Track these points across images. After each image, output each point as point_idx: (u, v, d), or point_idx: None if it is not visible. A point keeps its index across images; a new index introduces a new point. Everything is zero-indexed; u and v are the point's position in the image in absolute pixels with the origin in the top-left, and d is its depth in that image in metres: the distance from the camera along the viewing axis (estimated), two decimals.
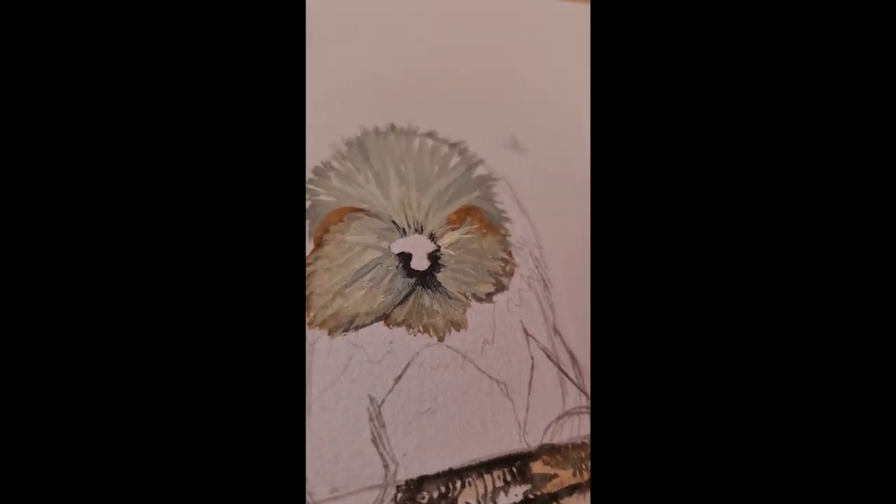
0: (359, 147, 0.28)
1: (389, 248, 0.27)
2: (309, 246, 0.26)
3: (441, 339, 0.25)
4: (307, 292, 0.25)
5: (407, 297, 0.26)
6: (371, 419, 0.23)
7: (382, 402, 0.24)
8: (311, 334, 0.24)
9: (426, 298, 0.26)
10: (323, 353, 0.24)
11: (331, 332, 0.24)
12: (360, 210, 0.27)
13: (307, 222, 0.26)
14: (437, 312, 0.26)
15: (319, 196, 0.27)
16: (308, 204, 0.26)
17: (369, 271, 0.26)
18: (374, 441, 0.23)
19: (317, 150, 0.27)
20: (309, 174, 0.27)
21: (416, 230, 0.27)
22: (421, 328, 0.25)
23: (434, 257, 0.27)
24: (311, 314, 0.24)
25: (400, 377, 0.24)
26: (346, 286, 0.25)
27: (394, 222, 0.27)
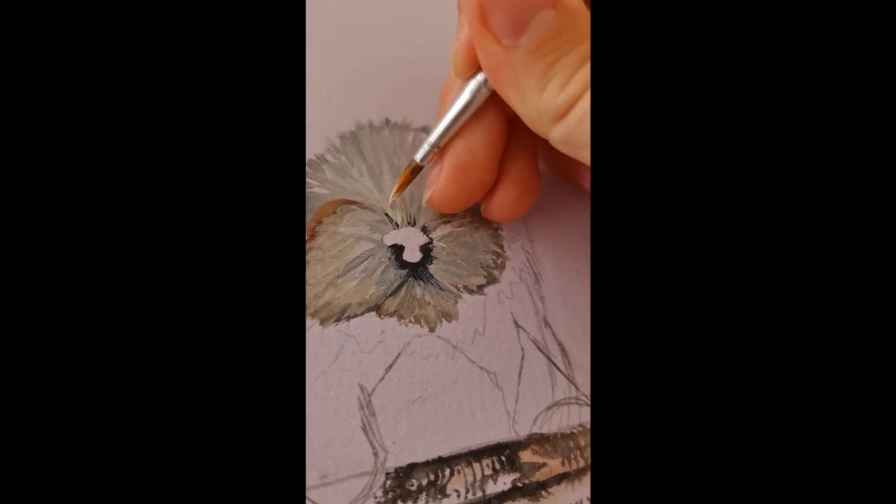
0: (353, 141, 0.28)
1: (382, 240, 0.27)
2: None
3: (432, 330, 0.26)
4: None
5: (399, 288, 0.26)
6: (361, 407, 0.24)
7: (373, 390, 0.24)
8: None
9: (418, 290, 0.26)
10: (314, 343, 0.24)
11: (322, 322, 0.25)
12: (354, 202, 0.27)
13: None
14: (429, 303, 0.26)
15: (313, 188, 0.27)
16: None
17: (362, 262, 0.26)
18: (364, 429, 0.23)
19: (311, 144, 0.28)
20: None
21: (408, 223, 0.27)
22: (412, 319, 0.26)
23: (426, 249, 0.27)
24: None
25: (391, 366, 0.25)
26: (338, 277, 0.26)
27: (387, 215, 0.27)
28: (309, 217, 0.26)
